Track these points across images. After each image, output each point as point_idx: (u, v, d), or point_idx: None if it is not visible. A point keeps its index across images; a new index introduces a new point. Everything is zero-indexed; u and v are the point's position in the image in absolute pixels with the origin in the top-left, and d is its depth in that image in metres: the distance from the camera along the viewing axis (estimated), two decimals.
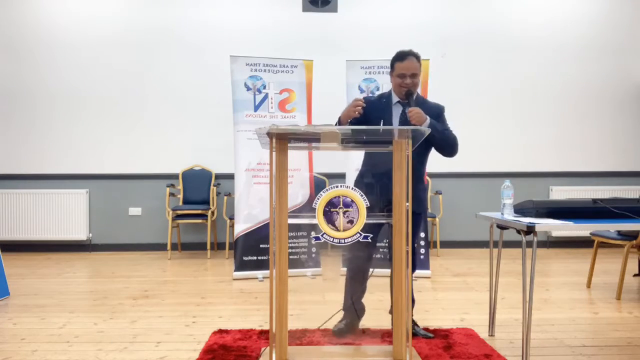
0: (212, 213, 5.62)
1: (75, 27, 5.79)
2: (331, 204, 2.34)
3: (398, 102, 2.82)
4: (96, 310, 3.45)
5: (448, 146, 2.79)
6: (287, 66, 4.62)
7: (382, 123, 2.71)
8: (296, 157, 4.42)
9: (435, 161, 5.59)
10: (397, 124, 2.73)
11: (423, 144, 2.51)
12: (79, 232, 5.73)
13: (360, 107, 2.60)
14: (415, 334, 2.81)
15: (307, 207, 4.42)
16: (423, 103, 2.80)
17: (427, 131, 2.33)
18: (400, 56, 2.77)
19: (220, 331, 2.96)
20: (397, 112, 2.79)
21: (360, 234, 2.34)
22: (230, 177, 4.96)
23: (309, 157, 4.67)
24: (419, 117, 2.59)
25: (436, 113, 2.78)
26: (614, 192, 5.70)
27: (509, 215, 2.63)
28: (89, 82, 5.80)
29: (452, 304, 3.60)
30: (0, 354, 2.64)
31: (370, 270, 2.85)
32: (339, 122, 2.70)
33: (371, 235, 2.36)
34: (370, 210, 2.32)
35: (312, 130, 2.29)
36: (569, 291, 3.94)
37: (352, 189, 2.36)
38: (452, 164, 5.87)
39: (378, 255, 4.48)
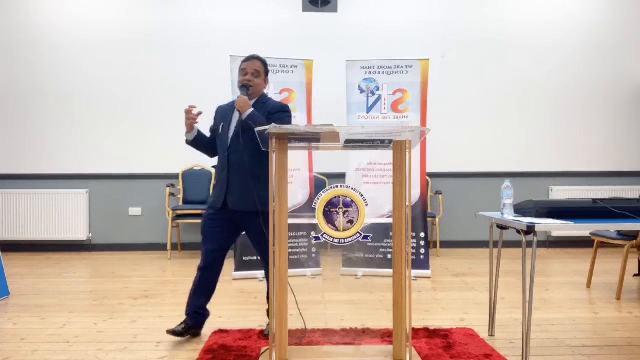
0: None
1: (76, 28, 5.79)
2: (331, 204, 2.34)
3: None
4: (96, 310, 3.45)
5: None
6: (287, 66, 4.62)
7: (221, 127, 2.90)
8: (296, 157, 4.42)
9: (435, 161, 5.71)
10: (234, 126, 2.85)
11: (258, 143, 2.59)
12: (79, 232, 5.73)
13: (191, 115, 2.86)
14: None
15: (307, 207, 4.42)
16: (265, 102, 2.91)
17: (246, 114, 2.70)
18: (245, 59, 2.96)
19: (220, 331, 2.96)
20: (237, 115, 2.86)
21: (360, 234, 2.35)
22: None
23: (309, 157, 4.67)
24: (242, 104, 2.75)
25: (271, 110, 2.86)
26: (614, 192, 5.70)
27: (509, 215, 2.63)
28: (89, 82, 5.80)
29: (452, 304, 3.60)
30: (0, 354, 2.64)
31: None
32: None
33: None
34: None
35: (312, 130, 2.29)
36: (569, 291, 3.94)
37: (352, 189, 2.36)
38: (452, 164, 5.95)
39: (379, 256, 4.49)
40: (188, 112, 2.87)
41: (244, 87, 2.86)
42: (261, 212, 2.65)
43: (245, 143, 2.70)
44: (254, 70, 2.89)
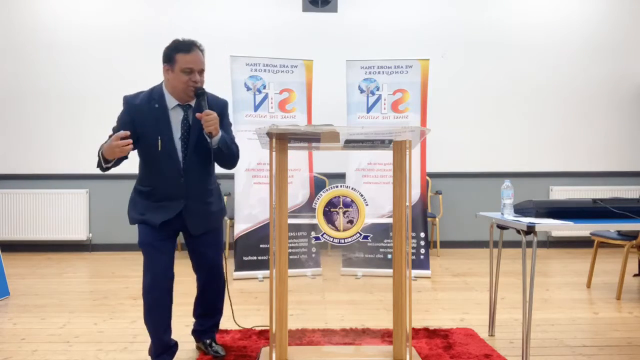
0: None
1: (75, 27, 5.79)
2: (331, 204, 2.34)
3: (178, 105, 2.33)
4: (96, 310, 3.45)
5: (230, 162, 2.48)
6: (287, 66, 4.62)
7: (160, 140, 2.24)
8: (296, 157, 4.42)
9: (435, 161, 5.71)
10: (178, 136, 2.29)
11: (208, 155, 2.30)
12: (79, 232, 5.73)
13: (122, 142, 2.09)
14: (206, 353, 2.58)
15: (307, 207, 4.42)
16: (211, 100, 2.38)
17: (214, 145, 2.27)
18: (184, 47, 2.31)
19: (220, 331, 2.95)
20: (176, 119, 2.30)
21: (360, 234, 2.35)
22: (230, 177, 4.94)
23: (309, 157, 4.67)
24: (215, 126, 2.21)
25: (221, 111, 2.41)
26: (614, 192, 5.70)
27: (509, 215, 2.63)
28: (88, 82, 5.80)
29: (452, 304, 3.60)
30: (0, 354, 2.64)
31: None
32: (102, 157, 2.21)
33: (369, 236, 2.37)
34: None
35: (312, 130, 2.29)
36: (569, 291, 3.94)
37: (352, 189, 2.36)
38: (452, 164, 5.96)
39: (379, 256, 4.49)
40: (118, 138, 2.10)
41: (202, 94, 2.29)
42: (217, 228, 2.59)
43: (200, 160, 2.34)
44: (201, 69, 2.38)
